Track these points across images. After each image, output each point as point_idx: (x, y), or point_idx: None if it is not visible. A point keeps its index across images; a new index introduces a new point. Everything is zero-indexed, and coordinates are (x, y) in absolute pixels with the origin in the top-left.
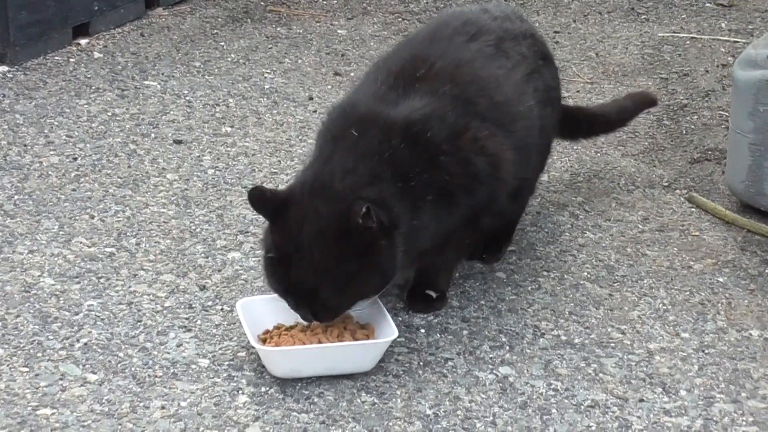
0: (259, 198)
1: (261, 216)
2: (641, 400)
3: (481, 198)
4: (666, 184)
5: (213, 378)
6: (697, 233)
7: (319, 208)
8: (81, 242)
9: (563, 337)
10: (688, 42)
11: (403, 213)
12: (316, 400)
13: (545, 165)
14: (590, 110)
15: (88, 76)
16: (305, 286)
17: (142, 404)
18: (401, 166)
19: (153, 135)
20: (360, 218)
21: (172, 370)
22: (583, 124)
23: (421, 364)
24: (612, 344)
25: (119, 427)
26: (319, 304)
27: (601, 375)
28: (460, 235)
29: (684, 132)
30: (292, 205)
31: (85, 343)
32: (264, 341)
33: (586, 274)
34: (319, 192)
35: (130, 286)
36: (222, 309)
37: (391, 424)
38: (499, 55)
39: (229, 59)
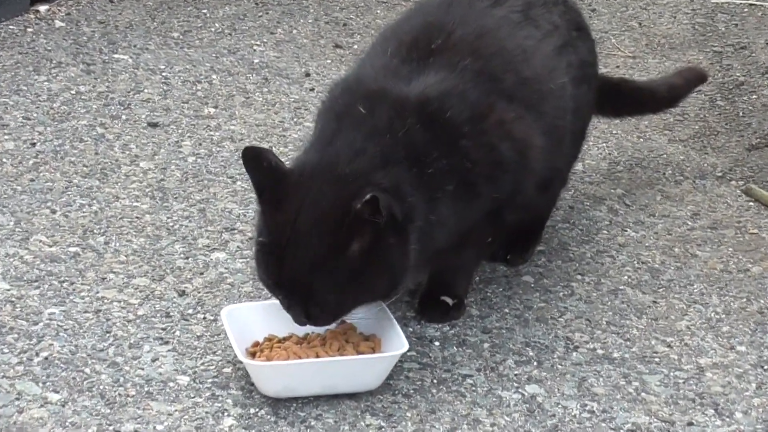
0: (256, 159)
1: (252, 182)
2: (690, 424)
3: (504, 189)
4: (720, 174)
5: (194, 398)
6: (756, 231)
7: (322, 191)
8: (41, 241)
9: (600, 351)
10: (746, 9)
11: (419, 204)
12: (313, 423)
13: (579, 152)
14: (636, 83)
15: (49, 48)
16: (299, 281)
17: (111, 428)
18: (417, 149)
19: (124, 117)
20: (361, 206)
21: (146, 389)
22: (628, 98)
23: (435, 381)
24: (656, 359)
25: None
26: (315, 303)
27: (643, 394)
28: (482, 232)
29: (741, 114)
30: (291, 184)
31: (46, 358)
32: (253, 355)
33: (626, 278)
34: (323, 174)
35: (97, 292)
36: (204, 318)
37: None
38: (527, 23)
39: (213, 29)
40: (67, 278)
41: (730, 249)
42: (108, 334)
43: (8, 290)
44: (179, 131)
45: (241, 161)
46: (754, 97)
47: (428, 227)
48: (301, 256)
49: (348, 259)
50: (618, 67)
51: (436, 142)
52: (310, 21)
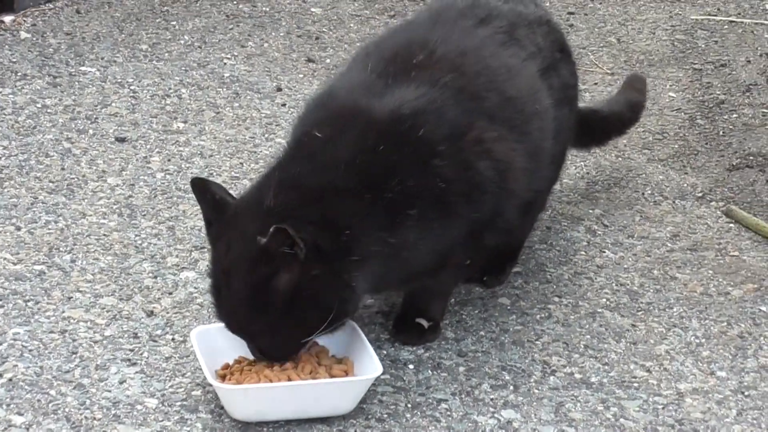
0: (203, 191)
1: (201, 212)
2: None
3: (484, 211)
4: (699, 194)
5: (162, 421)
6: (736, 253)
7: (245, 227)
8: (5, 258)
9: (577, 375)
10: (726, 26)
11: (369, 233)
12: None
13: (559, 176)
14: (602, 113)
15: (14, 60)
16: (235, 319)
17: None
18: (376, 173)
19: (91, 131)
20: (268, 240)
21: (113, 412)
22: (597, 129)
23: (410, 406)
24: (635, 384)
25: None
26: (257, 340)
27: (622, 420)
28: (459, 254)
29: (721, 133)
30: (228, 218)
31: (10, 379)
32: (223, 378)
33: (604, 300)
34: (252, 207)
35: (63, 311)
36: (173, 339)
37: None
38: (512, 43)
39: (182, 42)
40: (32, 297)
41: (710, 271)
42: (74, 355)
43: None
44: (148, 146)
45: (211, 178)
46: (734, 116)
47: (392, 252)
48: (231, 295)
49: (274, 295)
50: (596, 83)
51: (403, 163)
52: (281, 34)
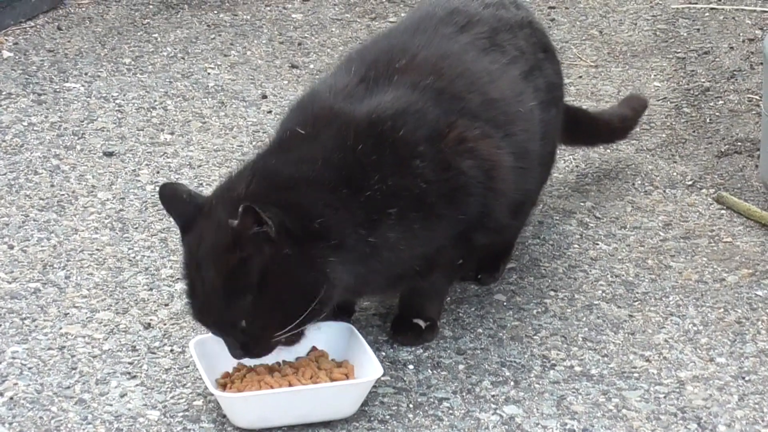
0: (171, 198)
1: (174, 220)
2: None
3: (471, 211)
4: (690, 182)
5: None
6: (730, 239)
7: (218, 217)
8: None
9: (577, 368)
10: (707, 14)
11: (345, 225)
12: None
13: (549, 175)
14: (592, 114)
15: None
16: (211, 311)
17: None
18: (354, 171)
19: (79, 147)
20: (239, 221)
21: (116, 426)
22: (585, 128)
23: (411, 406)
24: (635, 374)
25: None
26: (233, 332)
27: (624, 411)
28: (450, 254)
29: (708, 120)
30: (201, 215)
31: (11, 398)
32: (224, 386)
33: (600, 292)
34: (225, 198)
35: (60, 328)
36: (172, 350)
37: None
38: (493, 49)
39: (165, 53)
40: (28, 315)
41: (705, 259)
42: (74, 371)
43: None
44: (136, 159)
45: (201, 188)
46: (720, 102)
47: (373, 251)
48: (205, 286)
49: (247, 277)
50: (581, 77)
51: (382, 163)
52: (264, 42)
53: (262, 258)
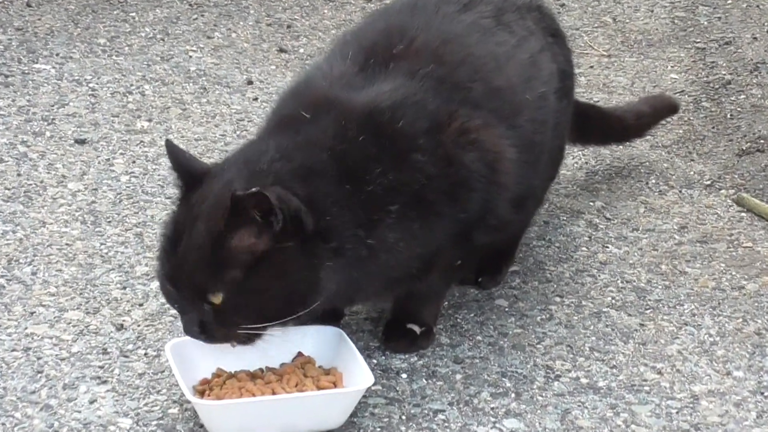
0: (178, 152)
1: (177, 175)
2: None
3: (472, 208)
4: (708, 182)
5: None
6: (750, 244)
7: (231, 182)
8: None
9: (584, 380)
10: (729, 1)
11: (347, 225)
12: None
13: (557, 172)
14: (604, 110)
15: None
16: (186, 275)
17: None
18: (355, 164)
19: (48, 133)
20: (244, 196)
21: None
22: (596, 125)
23: (404, 418)
24: (646, 387)
25: None
26: (202, 302)
27: (633, 427)
28: (449, 255)
29: (728, 116)
30: (208, 177)
31: None
32: (202, 393)
33: (610, 299)
34: (240, 167)
35: (26, 328)
36: (146, 354)
37: None
38: (499, 29)
39: (143, 34)
40: None
41: (723, 264)
42: (39, 375)
43: None
44: (110, 148)
45: None
46: (742, 97)
47: (366, 251)
48: (189, 243)
49: (234, 252)
50: (592, 66)
51: (380, 157)
52: (250, 23)
53: (267, 237)
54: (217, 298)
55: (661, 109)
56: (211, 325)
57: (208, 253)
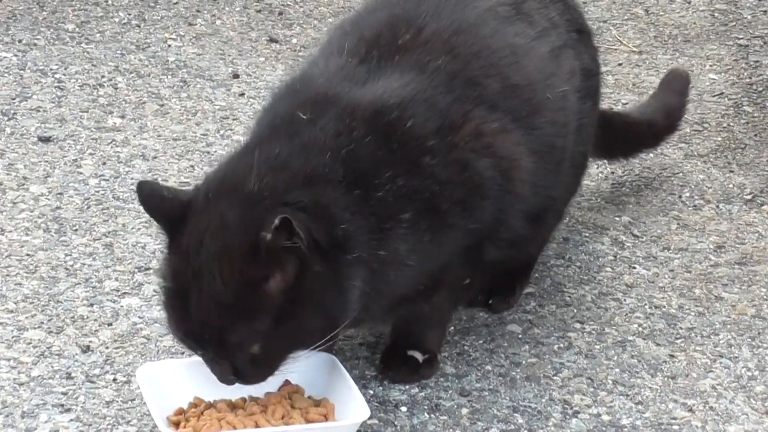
0: (151, 196)
1: (158, 222)
2: None
3: (484, 218)
4: (748, 196)
5: None
6: None
7: (226, 217)
8: None
9: (605, 417)
10: None
11: (360, 232)
12: None
13: (580, 183)
14: (631, 117)
15: None
16: (209, 328)
17: None
18: (364, 167)
19: (8, 130)
20: (273, 234)
21: None
22: (623, 137)
23: None
24: (675, 426)
25: None
26: (236, 355)
27: None
28: (457, 272)
29: None
30: (194, 212)
31: None
32: (177, 425)
33: (636, 326)
34: (229, 193)
35: None
36: (115, 379)
37: None
38: (519, 18)
39: (116, 20)
40: None
41: (764, 290)
42: None
43: None
44: (78, 147)
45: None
46: None
47: (381, 266)
48: (206, 299)
49: (266, 297)
50: (620, 64)
51: (390, 160)
52: (237, 9)
53: (287, 274)
54: (255, 349)
55: (682, 90)
56: (248, 371)
57: (235, 306)
